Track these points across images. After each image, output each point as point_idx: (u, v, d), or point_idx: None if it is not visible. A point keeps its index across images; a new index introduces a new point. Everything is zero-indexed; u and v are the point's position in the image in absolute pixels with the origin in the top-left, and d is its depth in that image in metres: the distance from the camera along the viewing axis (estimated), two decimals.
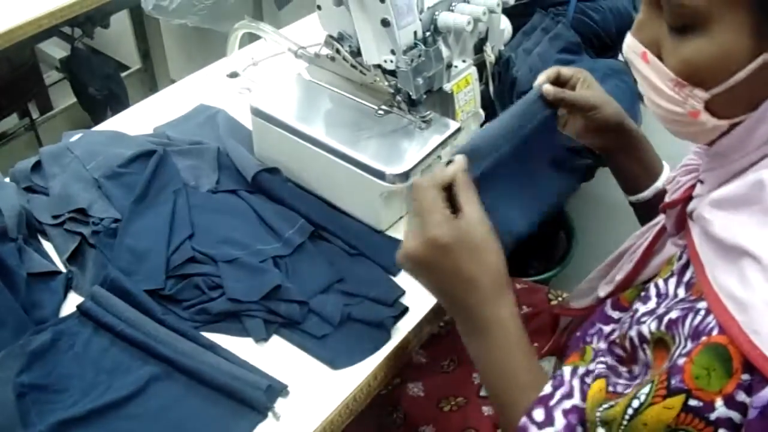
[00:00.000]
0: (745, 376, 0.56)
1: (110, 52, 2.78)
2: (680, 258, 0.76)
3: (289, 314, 1.03)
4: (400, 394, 1.19)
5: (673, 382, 0.60)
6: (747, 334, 0.55)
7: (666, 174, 1.04)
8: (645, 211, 1.05)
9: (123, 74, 2.53)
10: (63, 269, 1.10)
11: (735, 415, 0.57)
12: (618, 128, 1.03)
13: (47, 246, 1.15)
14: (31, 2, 1.86)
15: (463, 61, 1.21)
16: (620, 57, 1.58)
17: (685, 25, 0.63)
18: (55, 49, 2.60)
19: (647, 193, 1.05)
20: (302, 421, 0.93)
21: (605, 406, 0.66)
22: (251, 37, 1.49)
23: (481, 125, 1.31)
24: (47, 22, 1.91)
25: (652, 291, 0.77)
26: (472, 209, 0.79)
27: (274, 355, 1.00)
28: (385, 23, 1.05)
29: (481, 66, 1.28)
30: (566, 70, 1.04)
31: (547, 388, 0.73)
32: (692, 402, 0.58)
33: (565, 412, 0.70)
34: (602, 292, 0.96)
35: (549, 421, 0.70)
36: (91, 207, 1.16)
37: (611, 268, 1.00)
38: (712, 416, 0.58)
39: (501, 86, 1.31)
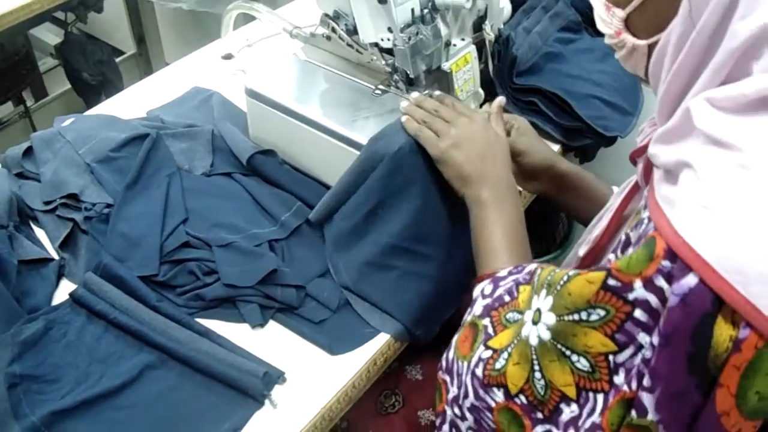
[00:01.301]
0: (666, 263, 0.57)
1: (105, 37, 2.73)
2: (646, 206, 0.76)
3: (285, 299, 1.00)
4: (399, 378, 1.16)
5: (599, 264, 0.66)
6: (672, 225, 0.57)
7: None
8: None
9: (118, 59, 2.48)
10: (55, 256, 1.07)
11: (653, 299, 0.58)
12: (549, 172, 1.08)
13: (39, 233, 1.12)
14: None
15: (462, 40, 1.18)
16: None
17: None
18: (50, 36, 2.56)
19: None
20: (300, 408, 0.90)
21: (556, 270, 0.70)
22: (246, 18, 1.45)
23: (481, 105, 1.27)
24: (39, 7, 1.87)
25: (623, 240, 0.75)
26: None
27: (270, 341, 0.98)
28: (382, 0, 1.01)
29: (480, 44, 1.24)
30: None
31: (503, 272, 0.82)
32: (611, 281, 0.60)
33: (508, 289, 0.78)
34: (581, 251, 0.93)
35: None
36: (83, 192, 1.12)
37: (592, 228, 0.97)
38: (630, 296, 0.59)
39: (500, 65, 1.27)
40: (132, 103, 1.37)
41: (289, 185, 1.13)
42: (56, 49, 2.29)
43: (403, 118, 1.00)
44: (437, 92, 1.07)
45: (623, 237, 0.72)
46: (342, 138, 1.04)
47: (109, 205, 1.10)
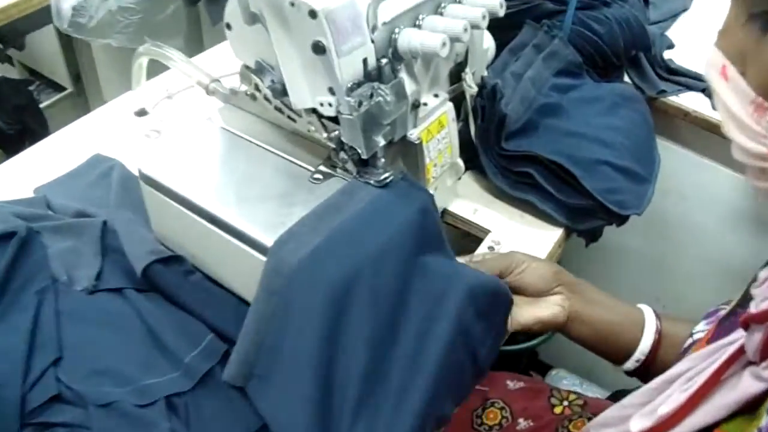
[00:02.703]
0: None
1: (47, 72, 2.36)
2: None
3: None
4: None
5: None
6: None
7: (651, 321, 0.78)
8: (642, 373, 0.78)
9: (52, 99, 2.12)
10: None
11: None
12: (559, 279, 0.78)
13: None
14: None
15: (435, 96, 0.83)
16: (626, 79, 1.20)
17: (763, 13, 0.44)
18: None
19: (632, 363, 0.78)
20: None
21: None
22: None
23: (459, 178, 0.93)
24: None
25: None
26: None
27: None
28: (319, 49, 0.66)
29: (458, 98, 0.90)
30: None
31: None
32: None
33: None
34: (636, 427, 0.62)
35: None
36: None
37: (655, 395, 0.64)
38: None
39: (486, 125, 0.93)
40: (25, 172, 1.02)
41: (198, 308, 0.77)
42: None
43: None
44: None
45: None
46: (266, 250, 0.68)
47: None
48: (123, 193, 0.92)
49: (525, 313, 0.77)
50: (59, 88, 2.36)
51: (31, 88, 2.34)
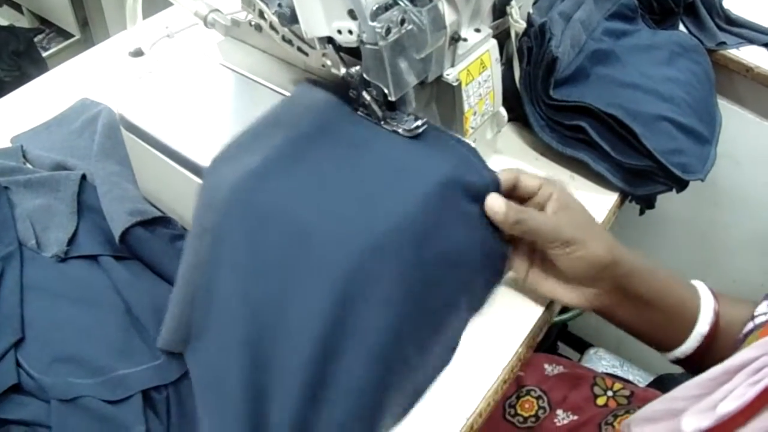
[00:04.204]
0: None
1: (55, 20, 2.18)
2: None
3: None
4: None
5: None
6: None
7: (709, 302, 0.61)
8: (695, 363, 0.61)
9: (59, 47, 1.95)
10: None
11: None
12: (606, 274, 0.58)
13: None
14: None
15: (477, 31, 0.66)
16: (681, 27, 1.01)
17: None
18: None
19: (689, 344, 0.60)
20: None
21: None
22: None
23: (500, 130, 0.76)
24: None
25: None
26: None
27: None
28: None
29: (501, 38, 0.72)
30: (531, 181, 0.58)
31: None
32: None
33: None
34: (690, 426, 0.47)
35: None
36: None
37: (713, 386, 0.48)
38: None
39: (532, 69, 0.75)
40: (7, 118, 0.86)
41: None
42: None
43: None
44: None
45: None
46: None
47: None
48: (108, 142, 0.75)
49: (545, 285, 0.60)
50: (69, 36, 2.19)
51: (40, 36, 2.18)
